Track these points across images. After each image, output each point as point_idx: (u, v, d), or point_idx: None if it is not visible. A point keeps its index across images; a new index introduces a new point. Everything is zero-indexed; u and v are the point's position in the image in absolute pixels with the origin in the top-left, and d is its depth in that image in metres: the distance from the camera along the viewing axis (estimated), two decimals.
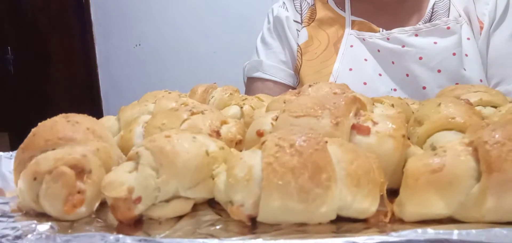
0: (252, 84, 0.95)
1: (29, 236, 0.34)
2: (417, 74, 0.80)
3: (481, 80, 0.78)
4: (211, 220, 0.39)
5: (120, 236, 0.33)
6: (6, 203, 0.41)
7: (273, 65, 0.92)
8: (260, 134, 0.47)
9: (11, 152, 0.51)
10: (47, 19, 3.16)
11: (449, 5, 0.83)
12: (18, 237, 0.34)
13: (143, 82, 3.24)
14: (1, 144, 3.07)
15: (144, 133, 0.50)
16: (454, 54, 0.79)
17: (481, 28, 0.81)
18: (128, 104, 0.65)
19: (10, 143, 3.13)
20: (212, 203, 0.42)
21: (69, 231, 0.37)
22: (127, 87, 3.29)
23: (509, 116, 0.47)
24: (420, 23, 0.84)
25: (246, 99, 0.64)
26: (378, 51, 0.83)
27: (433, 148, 0.44)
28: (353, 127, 0.43)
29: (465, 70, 0.78)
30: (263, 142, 0.38)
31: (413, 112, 0.56)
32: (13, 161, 0.48)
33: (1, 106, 3.13)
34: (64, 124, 0.42)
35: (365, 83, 0.81)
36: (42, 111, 3.27)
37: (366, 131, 0.43)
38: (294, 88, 0.92)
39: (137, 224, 0.39)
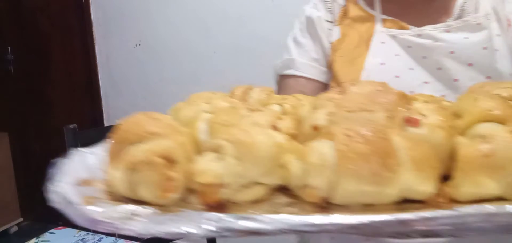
0: (283, 81, 0.98)
1: (138, 217, 0.38)
2: (448, 67, 0.83)
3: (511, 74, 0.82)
4: (287, 203, 0.44)
5: (221, 215, 0.37)
6: (97, 190, 0.45)
7: (305, 62, 0.95)
8: (315, 128, 0.51)
9: (91, 148, 0.56)
10: (47, 19, 3.17)
11: (478, 4, 0.87)
12: (129, 219, 0.38)
13: (143, 82, 3.27)
14: (1, 144, 3.08)
15: (208, 129, 0.54)
16: (484, 48, 0.82)
17: (509, 25, 0.85)
18: (173, 107, 0.68)
19: (10, 143, 3.14)
20: (282, 189, 0.47)
21: (163, 212, 0.41)
22: (127, 87, 3.31)
23: None
24: (449, 20, 0.87)
25: (285, 98, 0.67)
26: (409, 47, 0.86)
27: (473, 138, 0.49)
28: (405, 119, 0.48)
29: (496, 63, 0.81)
30: (331, 133, 0.43)
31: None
32: (92, 156, 0.54)
33: (1, 106, 3.13)
34: (148, 120, 0.47)
35: (397, 76, 0.84)
36: (42, 111, 3.30)
37: (417, 123, 0.48)
38: (326, 85, 0.95)
39: (220, 207, 0.43)
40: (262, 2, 2.78)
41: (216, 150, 0.44)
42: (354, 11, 0.94)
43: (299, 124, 0.57)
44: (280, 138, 0.47)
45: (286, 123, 0.55)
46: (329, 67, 0.94)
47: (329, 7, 0.97)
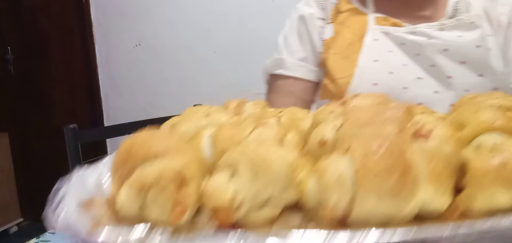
0: (274, 82, 0.99)
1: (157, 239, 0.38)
2: (442, 64, 0.83)
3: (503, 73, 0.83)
4: (301, 223, 0.44)
5: (245, 233, 0.37)
6: (99, 213, 0.44)
7: (295, 62, 0.95)
8: (322, 143, 0.50)
9: (92, 167, 0.54)
10: (47, 19, 3.17)
11: (469, 4, 0.88)
12: (142, 240, 0.38)
13: (143, 82, 3.27)
14: (1, 144, 3.07)
15: (213, 146, 0.53)
16: (478, 46, 0.83)
17: (500, 26, 0.87)
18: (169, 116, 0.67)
19: (10, 143, 3.13)
20: (292, 208, 0.46)
21: (177, 234, 0.41)
22: (127, 87, 3.31)
23: None
24: (442, 19, 0.88)
25: (281, 111, 0.66)
26: (403, 44, 0.87)
27: (478, 149, 0.49)
28: (415, 133, 0.48)
29: (489, 61, 0.82)
30: (347, 149, 0.43)
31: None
32: (93, 174, 0.52)
33: (1, 106, 3.12)
34: (157, 138, 0.46)
35: (391, 73, 0.85)
36: (42, 111, 3.29)
37: (427, 136, 0.48)
38: (317, 83, 0.96)
39: (233, 227, 0.42)
40: (262, 2, 2.78)
41: (229, 168, 0.44)
42: (346, 9, 0.94)
43: (303, 138, 0.56)
44: (293, 154, 0.46)
45: (292, 138, 0.54)
46: (322, 65, 0.94)
47: (321, 4, 0.97)
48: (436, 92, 0.83)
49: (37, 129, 3.26)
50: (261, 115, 0.68)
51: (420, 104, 0.81)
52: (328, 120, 0.55)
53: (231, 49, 2.97)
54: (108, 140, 3.13)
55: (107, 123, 3.37)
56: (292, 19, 0.99)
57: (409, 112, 0.51)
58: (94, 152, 1.70)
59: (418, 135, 0.49)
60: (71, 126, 1.45)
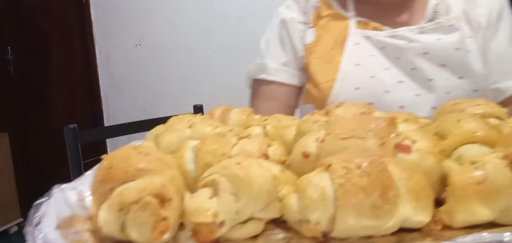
0: (258, 87, 0.99)
1: None
2: (423, 67, 0.84)
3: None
4: (285, 238, 0.44)
5: None
6: (79, 231, 0.44)
7: (277, 67, 0.95)
8: (306, 155, 0.50)
9: (72, 183, 0.53)
10: (47, 19, 3.17)
11: (449, 7, 0.89)
12: None
13: (143, 82, 3.27)
14: (1, 144, 3.08)
15: (196, 159, 0.53)
16: (457, 49, 0.84)
17: (480, 28, 0.87)
18: (166, 122, 0.66)
19: (10, 143, 3.14)
20: (275, 222, 0.46)
21: None
22: (127, 87, 3.32)
23: None
24: (422, 22, 0.89)
25: (266, 119, 0.67)
26: (384, 47, 0.87)
27: (459, 160, 0.49)
28: (396, 146, 0.48)
29: (469, 64, 0.83)
30: (329, 165, 0.43)
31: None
32: (74, 192, 0.51)
33: (1, 106, 3.13)
34: (137, 156, 0.45)
35: (372, 76, 0.85)
36: (42, 111, 3.30)
37: (407, 149, 0.48)
38: (299, 88, 0.96)
39: None
40: (262, 2, 2.78)
41: (211, 185, 0.44)
42: (327, 13, 0.94)
43: (287, 149, 0.56)
44: (275, 170, 0.46)
45: (276, 150, 0.55)
46: (304, 69, 0.94)
47: (302, 8, 0.97)
48: (417, 95, 0.84)
49: (37, 129, 3.27)
50: (246, 122, 0.69)
51: (402, 107, 0.82)
52: (312, 131, 0.55)
53: (231, 49, 2.97)
54: (108, 140, 3.13)
55: (107, 123, 3.38)
56: (274, 24, 0.99)
57: (392, 122, 0.51)
58: (94, 152, 1.70)
59: (400, 148, 0.48)
60: (71, 126, 1.45)
